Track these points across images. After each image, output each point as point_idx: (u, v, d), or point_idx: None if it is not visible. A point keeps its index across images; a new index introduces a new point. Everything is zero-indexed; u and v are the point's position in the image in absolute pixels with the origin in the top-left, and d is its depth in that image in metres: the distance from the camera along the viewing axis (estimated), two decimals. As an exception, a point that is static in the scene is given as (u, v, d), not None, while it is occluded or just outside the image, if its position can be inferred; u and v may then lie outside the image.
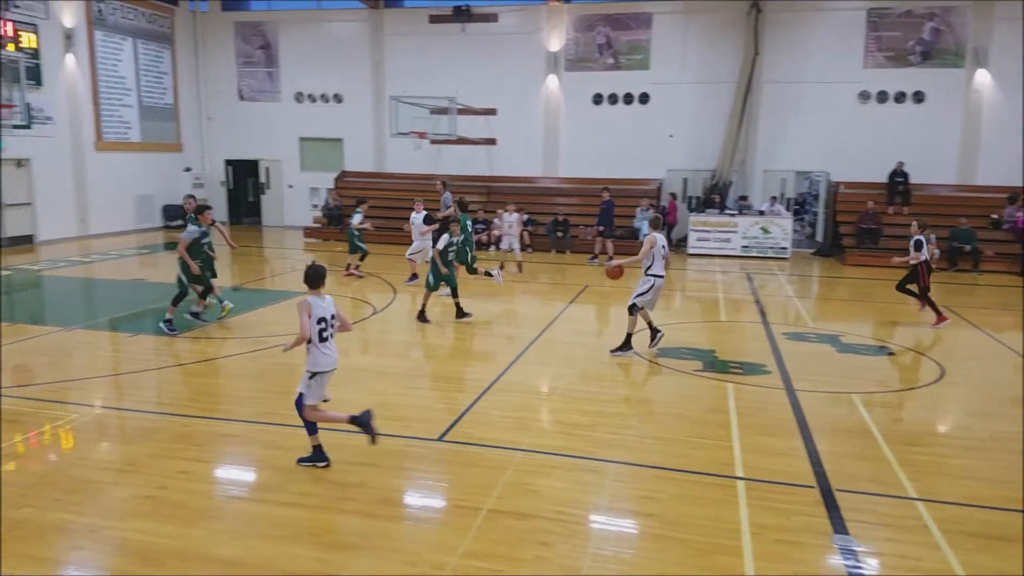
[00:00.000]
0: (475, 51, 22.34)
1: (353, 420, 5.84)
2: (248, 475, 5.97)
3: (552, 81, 22.13)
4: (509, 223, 16.00)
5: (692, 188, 21.83)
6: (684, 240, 20.31)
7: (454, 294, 11.28)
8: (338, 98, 23.90)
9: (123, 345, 9.90)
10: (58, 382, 8.05)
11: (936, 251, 13.29)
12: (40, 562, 4.47)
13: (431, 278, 11.08)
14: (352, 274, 14.85)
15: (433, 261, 11.10)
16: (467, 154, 22.88)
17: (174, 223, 23.00)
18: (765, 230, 19.48)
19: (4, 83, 14.70)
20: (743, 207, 20.18)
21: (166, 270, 16.12)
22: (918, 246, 11.30)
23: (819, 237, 21.83)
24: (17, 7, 18.09)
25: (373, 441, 5.79)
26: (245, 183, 25.80)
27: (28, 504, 5.16)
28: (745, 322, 11.79)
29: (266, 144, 24.69)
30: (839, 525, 5.07)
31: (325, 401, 6.14)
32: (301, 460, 5.93)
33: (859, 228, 19.06)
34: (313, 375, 5.84)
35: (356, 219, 14.70)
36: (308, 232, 22.22)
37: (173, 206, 23.43)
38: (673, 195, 21.07)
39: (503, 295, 13.43)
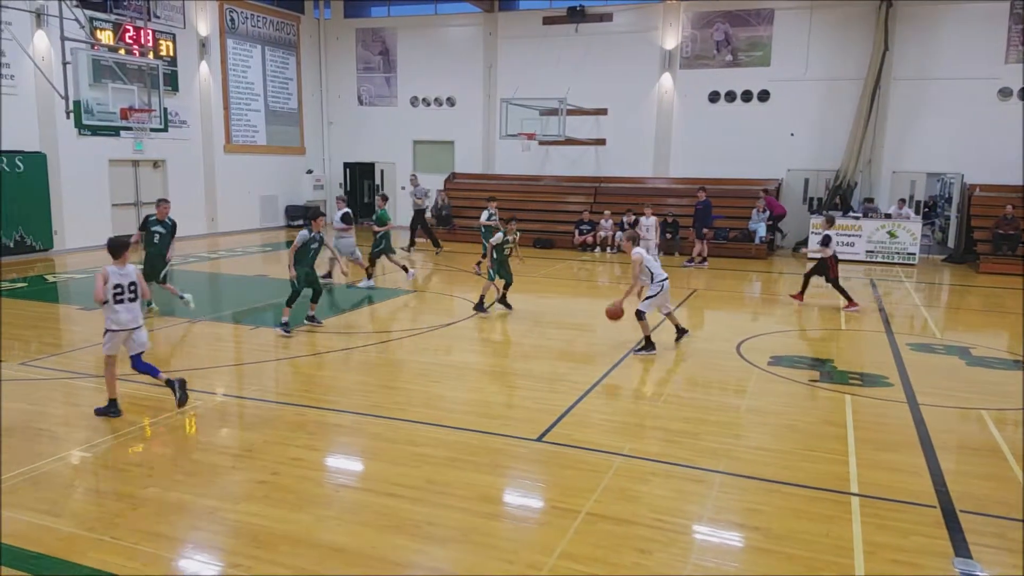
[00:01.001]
0: (587, 51, 22.26)
1: (168, 383, 6.95)
2: (355, 465, 6.15)
3: (666, 79, 21.74)
4: (647, 227, 15.53)
5: (814, 189, 20.89)
6: (804, 243, 19.47)
7: (506, 287, 11.68)
8: (451, 101, 24.39)
9: (245, 337, 10.45)
10: (185, 370, 8.57)
11: None
12: (161, 539, 4.74)
13: (491, 271, 11.51)
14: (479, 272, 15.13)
15: (491, 258, 11.47)
16: (575, 155, 22.84)
17: (296, 222, 24.16)
18: (892, 234, 18.40)
19: (144, 89, 15.82)
20: (868, 210, 19.14)
21: (284, 267, 16.95)
22: (826, 241, 12.24)
23: (950, 243, 20.40)
24: (157, 17, 19.47)
25: (179, 405, 6.88)
26: (361, 185, 26.75)
27: (153, 484, 5.49)
28: (867, 331, 11.15)
29: (382, 147, 25.51)
30: (961, 548, 4.69)
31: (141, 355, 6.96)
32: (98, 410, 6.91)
33: (995, 234, 17.67)
34: (106, 331, 6.77)
35: (484, 216, 14.98)
36: (419, 232, 22.75)
37: (295, 206, 24.62)
38: (766, 190, 20.18)
39: (609, 297, 13.25)
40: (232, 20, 22.23)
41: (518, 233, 11.90)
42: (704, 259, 17.73)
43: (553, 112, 20.51)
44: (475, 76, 23.84)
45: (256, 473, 5.74)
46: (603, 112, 22.42)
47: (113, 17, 17.94)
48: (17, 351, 9.07)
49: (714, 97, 21.37)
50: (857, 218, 18.79)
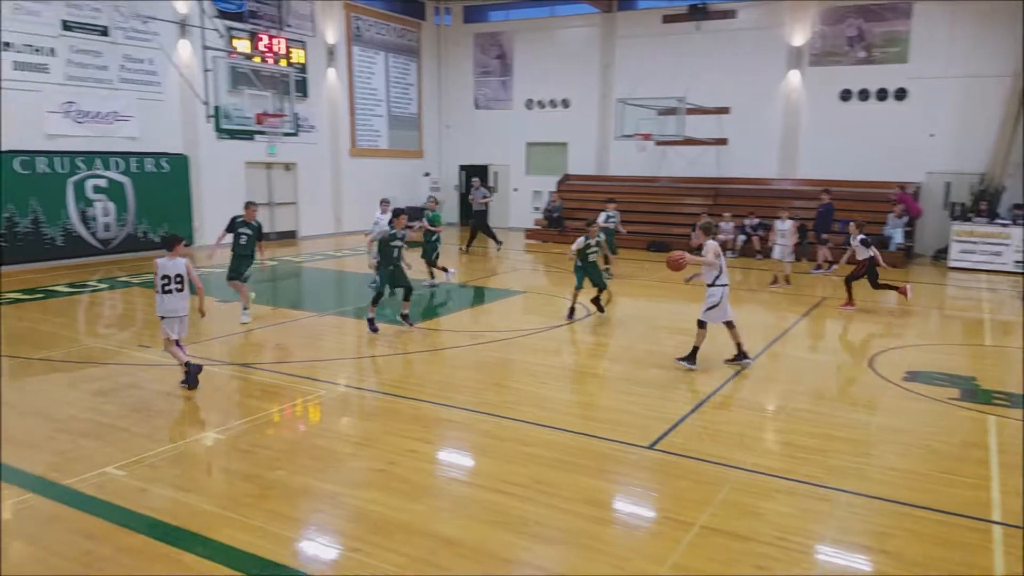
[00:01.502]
0: (709, 49, 21.73)
1: (187, 366, 7.51)
2: (466, 460, 6.26)
3: (794, 77, 20.90)
4: (782, 231, 14.76)
5: (956, 193, 19.47)
6: (944, 251, 18.22)
7: (600, 291, 11.31)
8: (565, 103, 24.41)
9: (366, 331, 10.83)
10: (310, 361, 9.00)
11: None
12: (287, 520, 4.98)
13: (577, 277, 11.18)
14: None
15: (575, 264, 11.15)
16: (694, 155, 22.32)
17: (412, 223, 24.80)
18: (1046, 243, 16.91)
19: (277, 95, 16.71)
20: (1018, 216, 17.65)
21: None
22: (867, 243, 12.12)
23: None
24: (289, 26, 20.52)
25: (189, 388, 7.48)
26: (475, 186, 27.19)
27: (280, 467, 5.78)
28: (1015, 348, 10.28)
29: (496, 149, 25.86)
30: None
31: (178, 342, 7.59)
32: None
33: None
34: (161, 317, 7.46)
35: (601, 218, 14.77)
36: (529, 234, 22.92)
37: (412, 207, 25.28)
38: (902, 186, 18.89)
39: (732, 303, 12.86)
40: (358, 28, 23.15)
41: (602, 235, 11.57)
42: (832, 264, 16.90)
43: (671, 112, 20.13)
44: (591, 77, 23.76)
45: (374, 462, 5.94)
46: (725, 111, 21.80)
47: (249, 27, 19.07)
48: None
49: (846, 95, 20.35)
50: (1005, 225, 17.39)
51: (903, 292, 12.33)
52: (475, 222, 20.12)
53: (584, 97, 23.98)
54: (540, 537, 4.82)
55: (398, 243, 10.26)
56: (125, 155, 16.74)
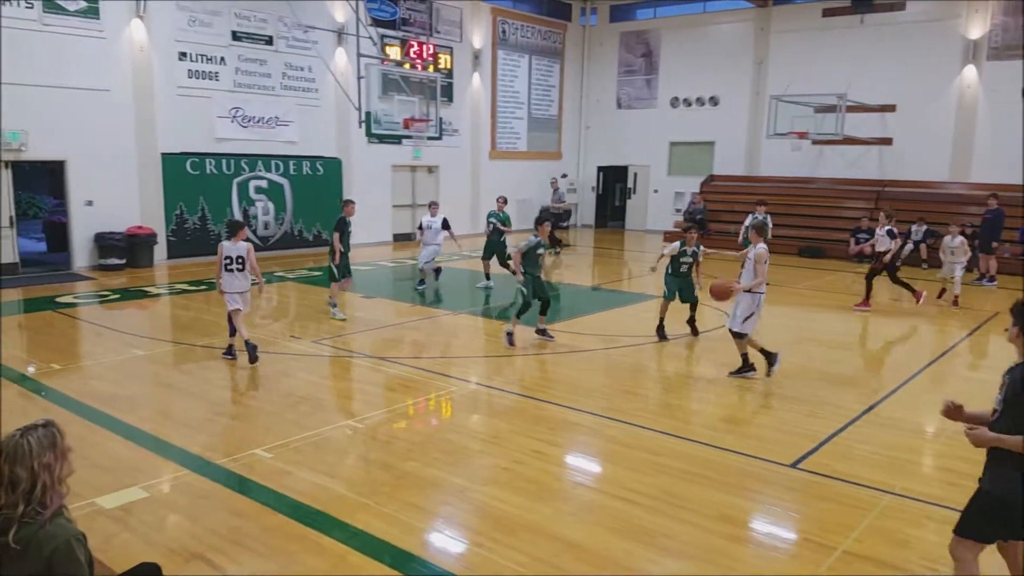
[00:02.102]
0: (873, 43, 20.35)
1: (247, 344, 8.43)
2: (592, 465, 6.18)
3: (969, 72, 19.19)
4: (951, 248, 13.12)
5: None
6: None
7: (692, 308, 10.27)
8: (714, 101, 23.69)
9: (497, 331, 10.98)
10: (444, 358, 9.24)
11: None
12: (417, 510, 5.12)
13: (666, 288, 10.19)
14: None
15: (666, 272, 10.21)
16: (854, 155, 21.00)
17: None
18: None
19: (424, 100, 17.29)
20: None
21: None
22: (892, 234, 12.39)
23: None
24: (438, 32, 21.17)
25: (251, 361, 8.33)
26: (613, 188, 26.96)
27: (413, 459, 5.96)
28: None
29: (637, 150, 25.48)
30: None
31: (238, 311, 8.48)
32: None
33: None
34: (223, 292, 8.45)
35: (749, 220, 14.14)
36: (668, 236, 22.39)
37: (546, 210, 25.45)
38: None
39: (887, 315, 12.03)
40: (503, 32, 23.55)
41: (701, 246, 10.20)
42: (992, 278, 15.38)
43: (830, 109, 19.00)
44: (742, 74, 22.90)
45: (501, 459, 5.99)
46: (890, 109, 20.32)
47: (401, 34, 19.85)
48: (310, 330, 10.36)
49: (1029, 91, 18.44)
50: None
51: (917, 296, 12.50)
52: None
53: (734, 94, 23.16)
54: (667, 550, 4.67)
55: (542, 251, 9.89)
56: (284, 158, 17.91)
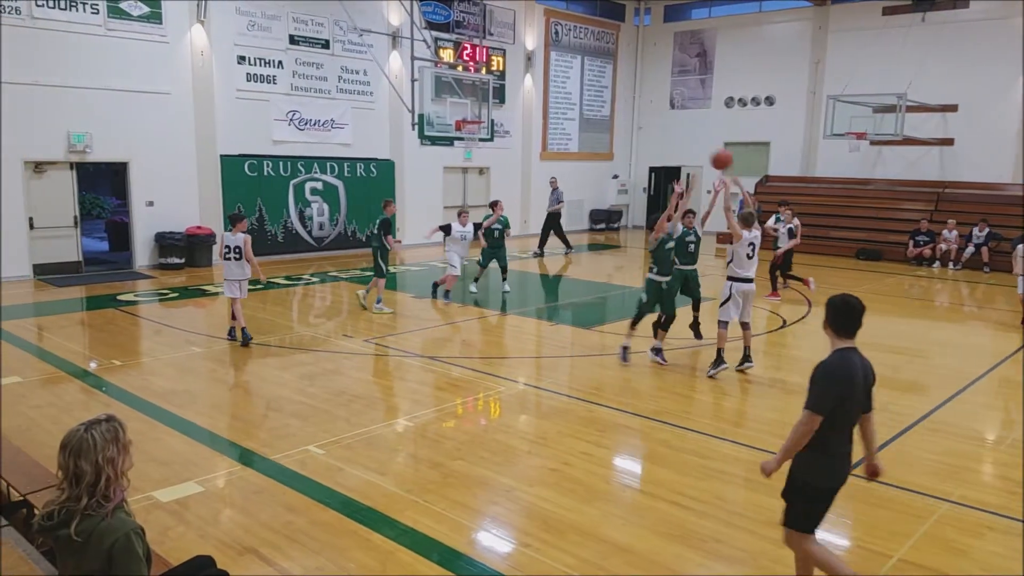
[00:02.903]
0: (934, 42, 19.72)
1: (243, 331, 9.30)
2: (640, 467, 6.14)
3: (1034, 71, 18.48)
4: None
5: None
6: None
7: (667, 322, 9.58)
8: (769, 100, 23.27)
9: (545, 332, 11.00)
10: (493, 358, 9.28)
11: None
12: (464, 509, 5.17)
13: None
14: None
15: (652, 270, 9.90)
16: (914, 156, 20.39)
17: (598, 226, 24.90)
18: None
19: (476, 102, 17.38)
20: None
21: (586, 269, 17.51)
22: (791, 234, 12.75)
23: None
24: (491, 34, 21.27)
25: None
26: (665, 189, 26.66)
27: (461, 458, 6.01)
28: None
29: (690, 150, 25.14)
30: None
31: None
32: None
33: None
34: (225, 279, 9.43)
35: (771, 221, 13.89)
36: (721, 237, 22.03)
37: (599, 210, 25.36)
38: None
39: (944, 320, 11.67)
40: (556, 33, 23.53)
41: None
42: None
43: (889, 109, 18.48)
44: (799, 73, 22.45)
45: (548, 460, 6.00)
46: (952, 109, 19.67)
47: (454, 36, 20.01)
48: (362, 330, 10.52)
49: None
50: None
51: (806, 282, 12.98)
52: (548, 224, 19.46)
53: (790, 94, 22.72)
54: (717, 555, 4.62)
55: (671, 244, 8.79)
56: (339, 160, 18.22)
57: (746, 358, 8.49)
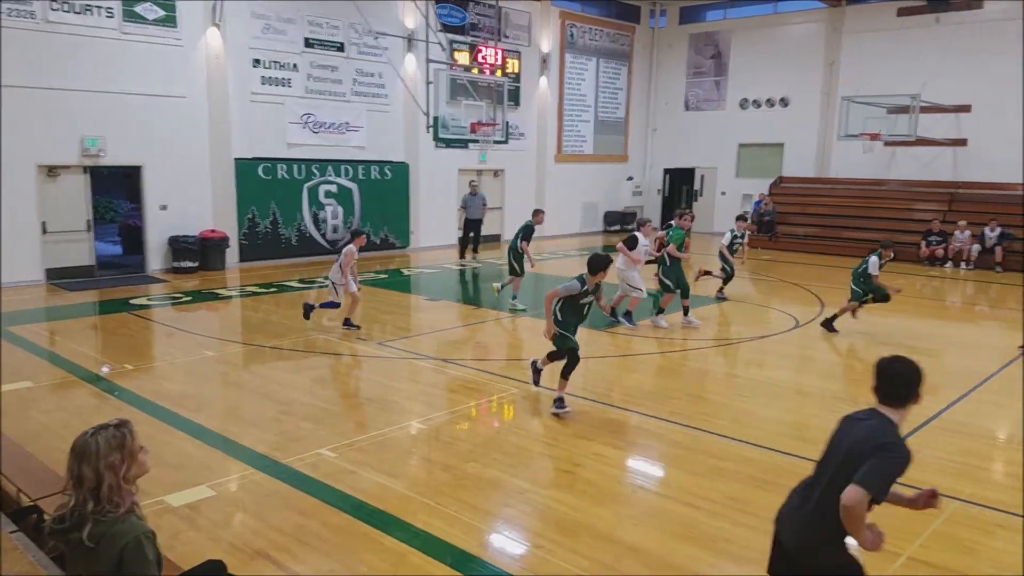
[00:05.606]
0: (948, 43, 19.57)
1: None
2: (654, 469, 6.14)
3: (1047, 71, 18.29)
4: None
5: None
6: None
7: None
8: (784, 102, 23.18)
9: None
10: (506, 360, 9.29)
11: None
12: (477, 511, 5.18)
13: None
14: None
15: (866, 274, 10.28)
16: (928, 157, 20.26)
17: (612, 228, 24.87)
18: None
19: (491, 104, 17.41)
20: None
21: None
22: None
23: None
24: (507, 37, 21.29)
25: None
26: (679, 190, 26.60)
27: (474, 460, 6.02)
28: None
29: (704, 152, 25.12)
30: None
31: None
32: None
33: None
34: None
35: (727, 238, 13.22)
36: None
37: (613, 212, 25.33)
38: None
39: (956, 319, 11.58)
40: (571, 35, 23.52)
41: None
42: None
43: (903, 110, 18.38)
44: (813, 74, 22.35)
45: (562, 462, 6.01)
46: (965, 109, 19.52)
47: (469, 39, 20.05)
48: (375, 332, 10.57)
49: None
50: None
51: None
52: (470, 228, 18.83)
53: (805, 95, 22.62)
54: (730, 555, 4.62)
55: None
56: (354, 163, 18.29)
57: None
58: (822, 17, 22.15)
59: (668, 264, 10.92)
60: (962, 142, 19.68)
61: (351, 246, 10.32)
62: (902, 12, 20.39)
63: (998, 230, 17.28)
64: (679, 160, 25.88)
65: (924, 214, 19.31)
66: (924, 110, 18.52)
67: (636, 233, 11.09)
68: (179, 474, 5.66)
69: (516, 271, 12.08)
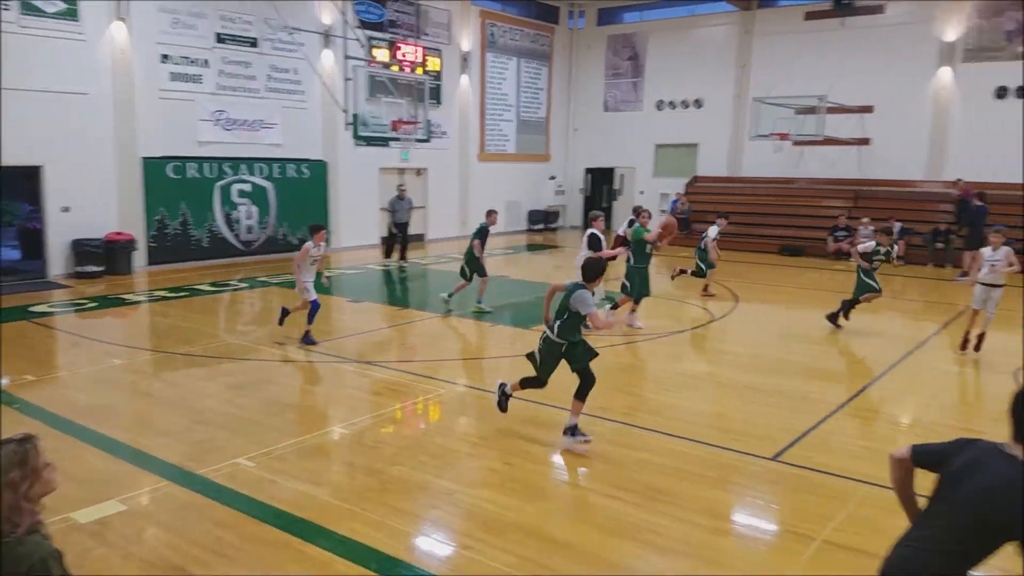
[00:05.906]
0: (853, 46, 20.57)
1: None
2: (580, 463, 6.17)
3: (944, 74, 19.41)
4: (991, 261, 9.80)
5: None
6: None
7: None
8: (698, 103, 23.82)
9: (486, 333, 10.98)
10: (432, 360, 9.21)
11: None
12: (403, 514, 5.10)
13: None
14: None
15: (867, 271, 10.66)
16: (834, 156, 21.19)
17: (536, 226, 25.06)
18: None
19: (412, 102, 17.25)
20: None
21: (525, 269, 17.56)
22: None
23: None
24: (426, 35, 21.13)
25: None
26: (600, 190, 27.01)
27: (400, 463, 5.93)
28: None
29: (623, 152, 25.58)
30: None
31: None
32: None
33: None
34: None
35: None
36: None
37: (536, 211, 25.52)
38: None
39: (866, 310, 12.12)
40: (492, 34, 23.55)
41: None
42: (965, 273, 15.56)
43: (810, 111, 19.18)
44: (726, 76, 23.05)
45: (490, 461, 6.00)
46: (868, 110, 20.53)
47: (388, 36, 19.79)
48: (296, 335, 10.27)
49: (1001, 93, 18.65)
50: None
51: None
52: (400, 231, 17.80)
53: (718, 97, 23.31)
54: (655, 546, 4.70)
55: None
56: (269, 161, 17.79)
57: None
58: (734, 20, 22.85)
59: (633, 263, 10.61)
60: (865, 141, 20.68)
61: (308, 243, 9.62)
62: (810, 16, 21.26)
63: (899, 226, 18.22)
64: (599, 160, 26.28)
65: (831, 210, 20.20)
66: (830, 111, 19.35)
67: (592, 231, 10.36)
68: (87, 489, 5.36)
69: (466, 275, 11.91)
